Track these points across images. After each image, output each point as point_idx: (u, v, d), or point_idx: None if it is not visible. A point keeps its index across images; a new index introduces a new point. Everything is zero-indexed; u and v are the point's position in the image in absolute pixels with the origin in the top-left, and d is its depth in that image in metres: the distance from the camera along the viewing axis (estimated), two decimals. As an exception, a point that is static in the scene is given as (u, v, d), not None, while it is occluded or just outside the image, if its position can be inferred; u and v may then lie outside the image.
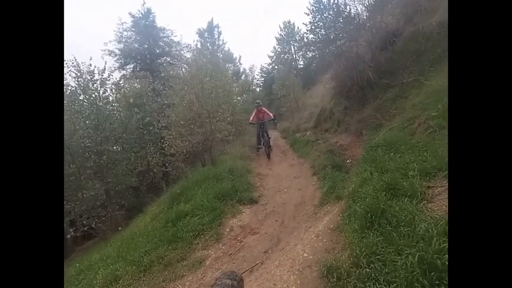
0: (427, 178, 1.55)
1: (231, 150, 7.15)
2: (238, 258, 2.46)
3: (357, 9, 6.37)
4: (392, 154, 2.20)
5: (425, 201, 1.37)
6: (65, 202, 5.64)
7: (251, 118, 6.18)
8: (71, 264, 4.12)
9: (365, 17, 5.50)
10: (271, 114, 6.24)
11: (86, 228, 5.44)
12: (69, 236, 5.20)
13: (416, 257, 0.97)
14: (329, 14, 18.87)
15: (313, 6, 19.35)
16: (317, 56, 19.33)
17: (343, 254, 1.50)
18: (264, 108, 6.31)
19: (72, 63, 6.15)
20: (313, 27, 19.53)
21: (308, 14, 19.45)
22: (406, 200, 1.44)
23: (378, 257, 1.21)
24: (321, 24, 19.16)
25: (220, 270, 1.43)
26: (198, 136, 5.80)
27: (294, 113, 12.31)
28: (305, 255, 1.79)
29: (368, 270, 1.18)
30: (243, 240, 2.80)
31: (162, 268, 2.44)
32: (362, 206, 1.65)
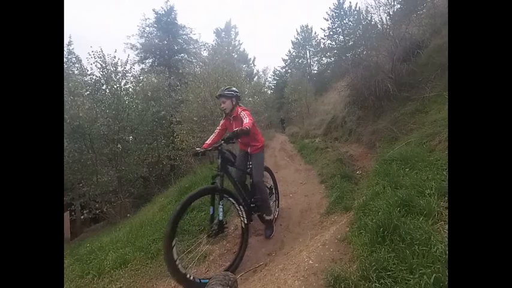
0: (446, 198, 1.51)
1: (240, 150, 7.22)
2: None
3: (380, 18, 6.25)
4: (408, 170, 2.15)
5: (442, 222, 1.33)
6: (81, 185, 5.95)
7: (210, 141, 2.31)
8: (81, 243, 4.32)
9: (387, 26, 5.40)
10: (248, 121, 2.09)
11: (97, 211, 5.70)
12: (82, 217, 5.46)
13: (433, 278, 0.95)
14: (349, 21, 18.67)
15: (333, 12, 19.20)
16: (333, 62, 19.13)
17: (351, 265, 1.49)
18: (243, 110, 2.25)
19: (99, 54, 6.45)
20: (331, 33, 19.39)
21: (327, 20, 19.33)
22: (421, 218, 1.40)
23: (388, 273, 1.20)
24: (340, 30, 18.99)
25: (213, 276, 1.44)
26: (209, 133, 5.91)
27: (304, 118, 12.27)
28: (310, 262, 1.79)
29: (378, 285, 1.17)
30: (247, 240, 2.83)
31: (168, 257, 2.53)
32: (374, 220, 1.63)
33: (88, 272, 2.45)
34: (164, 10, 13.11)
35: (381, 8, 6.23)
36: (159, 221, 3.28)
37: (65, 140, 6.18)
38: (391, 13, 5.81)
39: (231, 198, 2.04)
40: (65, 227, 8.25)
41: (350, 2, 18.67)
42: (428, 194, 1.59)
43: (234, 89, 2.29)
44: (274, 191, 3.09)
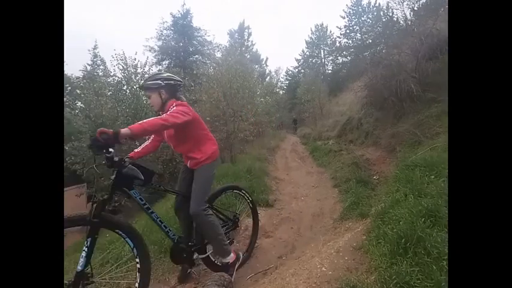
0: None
1: (250, 151, 7.23)
2: (251, 258, 2.46)
3: (403, 13, 5.88)
4: (433, 177, 1.99)
5: (476, 237, 1.20)
6: (102, 179, 6.33)
7: (140, 149, 1.83)
8: (101, 233, 4.57)
9: (411, 22, 5.07)
10: (150, 120, 1.28)
11: (116, 204, 6.05)
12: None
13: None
14: (367, 18, 17.93)
15: (350, 9, 18.54)
16: (349, 61, 18.51)
17: (368, 276, 1.40)
18: (178, 105, 1.53)
19: (121, 56, 6.86)
20: (348, 31, 18.75)
21: (344, 17, 18.72)
22: (450, 231, 1.28)
23: (411, 289, 1.10)
24: (357, 28, 18.30)
25: (209, 277, 1.35)
26: (221, 133, 5.99)
27: (317, 119, 11.99)
28: (323, 269, 1.71)
29: (399, 301, 1.08)
30: (256, 241, 2.80)
31: (180, 253, 2.56)
32: (394, 230, 1.52)
33: (107, 261, 2.57)
34: (181, 13, 13.53)
35: (404, 3, 5.88)
36: (172, 217, 3.35)
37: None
38: (415, 8, 5.45)
39: (123, 235, 1.34)
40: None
41: (369, -2, 17.90)
42: (458, 204, 1.45)
43: (163, 75, 1.58)
44: (253, 220, 2.33)
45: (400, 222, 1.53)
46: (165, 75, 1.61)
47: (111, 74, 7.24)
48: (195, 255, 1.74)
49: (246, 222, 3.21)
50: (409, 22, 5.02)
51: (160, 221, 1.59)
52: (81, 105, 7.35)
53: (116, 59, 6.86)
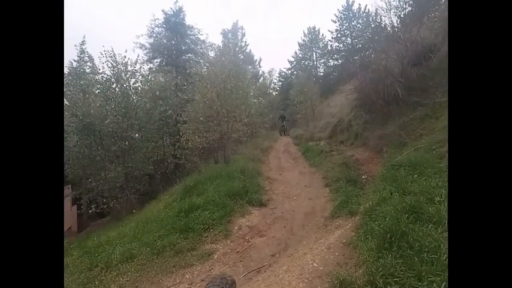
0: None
1: (244, 151, 7.25)
2: (245, 257, 2.51)
3: (391, 20, 6.15)
4: (416, 176, 2.12)
5: (452, 230, 1.31)
6: (89, 180, 6.07)
7: None
8: (88, 236, 4.43)
9: (398, 29, 5.32)
10: None
11: (105, 206, 5.82)
12: (90, 211, 5.57)
13: (443, 286, 0.94)
14: (358, 23, 18.50)
15: (341, 13, 19.03)
16: (340, 65, 18.99)
17: (357, 270, 1.48)
18: None
19: (110, 53, 6.63)
20: (339, 35, 19.22)
21: (335, 22, 19.18)
22: (430, 226, 1.39)
23: (395, 279, 1.19)
24: (348, 32, 18.82)
25: (210, 280, 1.34)
26: (214, 134, 5.98)
27: (309, 120, 12.19)
28: (315, 265, 1.79)
29: (384, 291, 1.16)
30: (250, 240, 2.85)
31: (173, 254, 2.57)
32: (381, 225, 1.62)
33: (96, 264, 2.51)
34: (173, 11, 13.31)
35: (391, 11, 6.15)
36: (164, 218, 3.33)
37: (76, 136, 6.35)
38: (401, 16, 5.73)
39: None
40: (73, 220, 8.47)
41: (359, 4, 18.42)
42: (437, 201, 1.57)
43: None
44: None
45: (386, 219, 1.63)
46: None
47: (100, 71, 6.99)
48: None
49: (239, 222, 3.25)
50: (396, 29, 5.27)
51: None
52: (67, 103, 6.92)
53: (104, 55, 6.64)
